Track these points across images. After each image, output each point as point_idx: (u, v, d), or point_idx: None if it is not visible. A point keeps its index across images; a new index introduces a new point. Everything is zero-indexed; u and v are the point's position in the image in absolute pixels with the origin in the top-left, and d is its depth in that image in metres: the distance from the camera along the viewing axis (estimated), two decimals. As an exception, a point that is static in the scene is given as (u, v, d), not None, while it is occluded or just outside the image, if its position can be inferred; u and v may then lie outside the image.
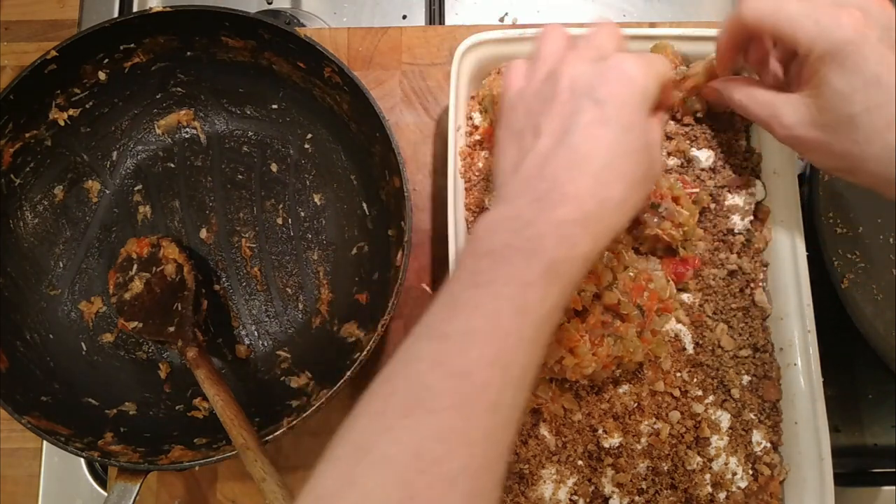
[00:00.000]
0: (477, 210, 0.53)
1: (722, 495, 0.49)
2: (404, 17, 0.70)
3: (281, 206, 0.61)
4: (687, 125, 0.54)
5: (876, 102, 0.39)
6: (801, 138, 0.43)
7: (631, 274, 0.49)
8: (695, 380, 0.51)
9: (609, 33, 0.42)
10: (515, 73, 0.44)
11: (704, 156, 0.53)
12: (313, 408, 0.48)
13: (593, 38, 0.42)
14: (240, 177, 0.62)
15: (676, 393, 0.50)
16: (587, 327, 0.47)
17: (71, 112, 0.58)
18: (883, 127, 0.39)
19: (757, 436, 0.50)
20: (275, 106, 0.62)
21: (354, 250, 0.59)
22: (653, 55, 0.43)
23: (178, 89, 0.61)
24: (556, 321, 0.36)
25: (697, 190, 0.52)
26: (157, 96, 0.61)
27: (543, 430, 0.50)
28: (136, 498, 0.48)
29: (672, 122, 0.54)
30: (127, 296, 0.57)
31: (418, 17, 0.70)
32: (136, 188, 0.61)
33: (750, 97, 0.46)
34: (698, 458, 0.49)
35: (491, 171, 0.54)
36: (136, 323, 0.56)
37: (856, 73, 0.39)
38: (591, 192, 0.36)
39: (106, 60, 0.57)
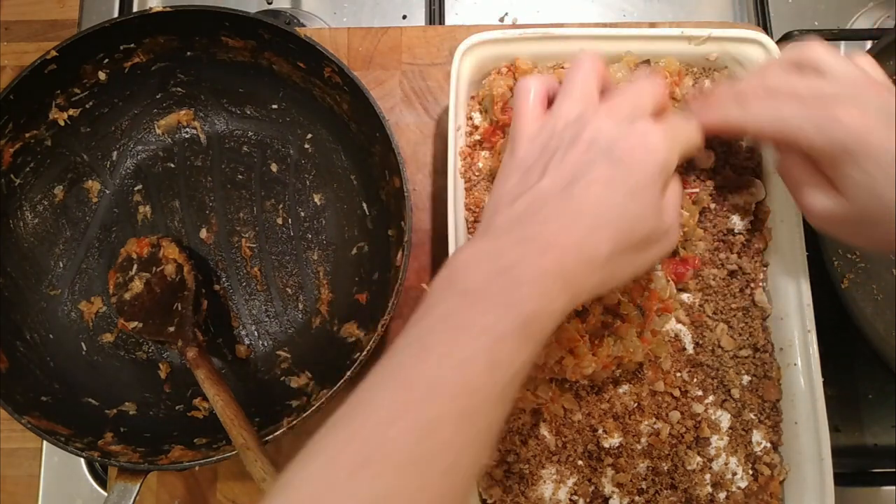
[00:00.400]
0: (477, 210, 0.53)
1: (722, 495, 0.49)
2: (404, 17, 0.70)
3: (281, 206, 0.61)
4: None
5: None
6: (836, 229, 0.43)
7: (631, 274, 0.49)
8: (695, 380, 0.51)
9: (650, 93, 0.41)
10: (531, 97, 0.42)
11: (704, 156, 0.53)
12: (313, 408, 0.48)
13: (632, 95, 0.41)
14: (240, 177, 0.62)
15: (676, 393, 0.50)
16: (587, 327, 0.47)
17: (71, 112, 0.58)
18: None
19: (757, 436, 0.50)
20: (275, 106, 0.62)
21: (354, 250, 0.59)
22: (684, 124, 0.42)
23: (178, 89, 0.61)
24: (523, 379, 0.35)
25: (697, 190, 0.52)
26: (157, 96, 0.61)
27: (543, 430, 0.50)
28: (136, 498, 0.48)
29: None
30: (127, 296, 0.57)
31: (418, 17, 0.70)
32: (136, 188, 0.61)
33: (791, 174, 0.45)
34: (698, 458, 0.49)
35: (492, 171, 0.54)
36: (136, 323, 0.56)
37: (873, 167, 0.38)
38: (577, 247, 0.36)
39: (106, 60, 0.57)
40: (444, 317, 0.34)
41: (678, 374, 0.51)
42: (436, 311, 0.35)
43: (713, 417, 0.50)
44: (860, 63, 0.43)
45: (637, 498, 0.49)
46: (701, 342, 0.52)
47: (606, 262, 0.36)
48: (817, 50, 0.43)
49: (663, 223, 0.39)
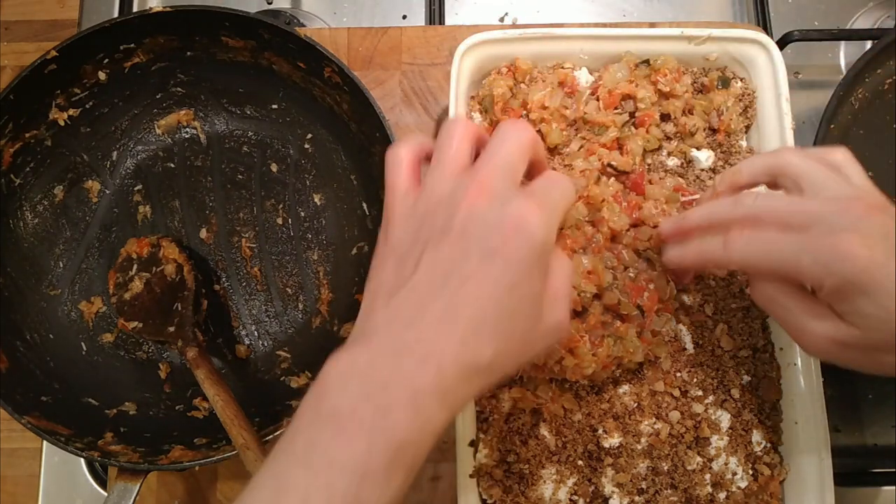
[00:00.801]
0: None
1: (722, 495, 0.49)
2: (404, 17, 0.70)
3: (281, 206, 0.61)
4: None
5: None
6: (841, 355, 0.40)
7: (631, 274, 0.49)
8: (695, 380, 0.51)
9: (519, 150, 0.37)
10: (401, 170, 0.39)
11: (704, 156, 0.54)
12: (313, 408, 0.48)
13: (502, 161, 0.36)
14: (240, 177, 0.62)
15: (676, 393, 0.50)
16: (587, 327, 0.47)
17: (71, 112, 0.58)
18: None
19: (757, 436, 0.50)
20: (275, 106, 0.62)
21: (354, 250, 0.59)
22: (559, 186, 0.37)
23: (178, 89, 0.61)
24: None
25: (697, 196, 0.52)
26: (157, 96, 0.61)
27: (543, 430, 0.50)
28: (136, 498, 0.48)
29: (671, 123, 0.54)
30: (127, 296, 0.57)
31: (418, 17, 0.70)
32: (136, 188, 0.61)
33: (777, 302, 0.41)
34: (698, 458, 0.49)
35: None
36: (136, 323, 0.56)
37: (883, 298, 0.35)
38: (456, 357, 0.32)
39: (106, 60, 0.57)
40: (305, 450, 0.31)
41: (678, 374, 0.51)
42: (299, 440, 0.32)
43: (713, 417, 0.50)
44: (837, 161, 0.40)
45: (637, 498, 0.49)
46: (701, 342, 0.52)
47: (489, 366, 0.33)
48: (792, 160, 0.40)
49: (549, 316, 0.36)
